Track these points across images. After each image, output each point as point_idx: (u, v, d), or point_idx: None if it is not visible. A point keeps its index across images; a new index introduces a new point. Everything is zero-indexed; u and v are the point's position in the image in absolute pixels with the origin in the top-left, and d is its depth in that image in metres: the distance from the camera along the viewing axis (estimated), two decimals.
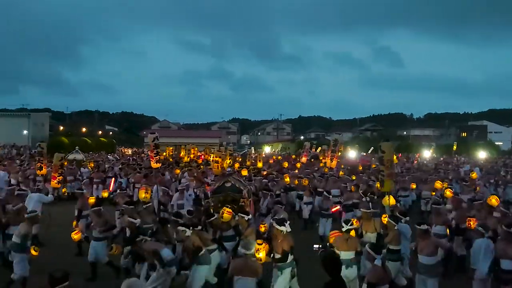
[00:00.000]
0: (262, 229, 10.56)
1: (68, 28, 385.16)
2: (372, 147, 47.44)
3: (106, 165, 25.78)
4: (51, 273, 4.84)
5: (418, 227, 7.76)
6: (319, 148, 42.51)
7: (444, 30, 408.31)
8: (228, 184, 12.30)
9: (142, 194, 12.14)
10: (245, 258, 6.83)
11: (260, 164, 24.68)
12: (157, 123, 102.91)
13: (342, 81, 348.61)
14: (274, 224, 7.83)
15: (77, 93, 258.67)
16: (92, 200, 12.63)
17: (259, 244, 7.37)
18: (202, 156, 31.66)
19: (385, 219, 9.02)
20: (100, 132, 77.65)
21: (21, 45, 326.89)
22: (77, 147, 29.35)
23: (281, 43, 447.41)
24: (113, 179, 17.85)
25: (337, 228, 9.09)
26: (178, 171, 21.74)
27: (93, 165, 24.95)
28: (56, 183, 14.94)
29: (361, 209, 10.38)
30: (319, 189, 15.80)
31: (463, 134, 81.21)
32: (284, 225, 7.65)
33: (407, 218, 9.33)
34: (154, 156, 15.24)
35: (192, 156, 31.73)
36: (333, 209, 12.60)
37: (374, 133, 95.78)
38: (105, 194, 16.58)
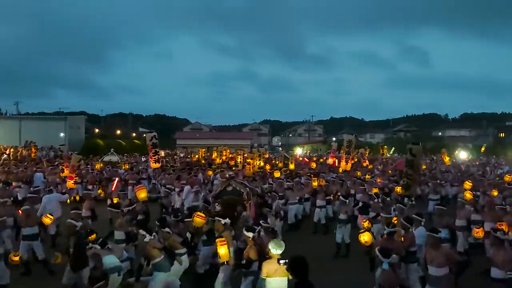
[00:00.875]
0: None
1: (99, 33, 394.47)
2: (393, 148, 46.62)
3: (140, 167, 26.21)
4: (91, 272, 4.95)
5: (431, 234, 7.13)
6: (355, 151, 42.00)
7: (475, 27, 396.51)
8: (230, 188, 12.44)
9: (142, 194, 12.19)
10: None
11: (292, 166, 24.58)
12: (189, 125, 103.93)
13: (370, 81, 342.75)
14: (243, 230, 7.65)
15: (109, 96, 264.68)
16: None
17: (220, 241, 7.37)
18: (235, 158, 31.75)
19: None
20: (134, 134, 78.96)
21: (55, 50, 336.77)
22: (112, 149, 29.95)
23: (307, 44, 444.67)
24: (116, 180, 18.03)
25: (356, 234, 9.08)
26: (210, 172, 21.93)
27: (127, 166, 25.40)
28: (72, 183, 15.52)
29: (382, 215, 10.19)
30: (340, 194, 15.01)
31: (501, 134, 78.71)
32: (253, 231, 7.46)
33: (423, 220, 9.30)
34: (153, 156, 15.26)
35: (224, 157, 31.91)
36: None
37: (407, 134, 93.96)
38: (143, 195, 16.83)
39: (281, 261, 6.07)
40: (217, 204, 11.88)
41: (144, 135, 19.78)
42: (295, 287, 5.03)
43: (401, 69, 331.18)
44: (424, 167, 23.71)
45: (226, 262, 7.54)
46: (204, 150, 40.77)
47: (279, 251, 6.34)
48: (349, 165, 21.33)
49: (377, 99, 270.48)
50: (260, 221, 8.41)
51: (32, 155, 30.78)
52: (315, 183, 16.28)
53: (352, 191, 15.66)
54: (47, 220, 10.03)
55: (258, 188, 14.99)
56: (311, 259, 8.72)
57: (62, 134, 51.60)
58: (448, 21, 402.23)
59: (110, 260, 6.75)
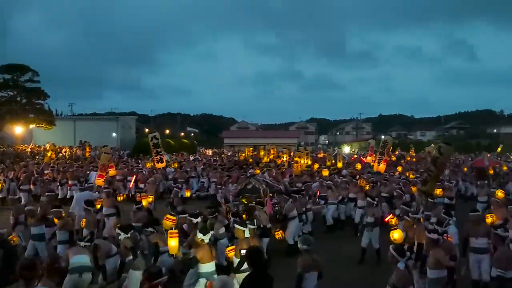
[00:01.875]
0: (278, 235, 10.38)
1: (146, 36, 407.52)
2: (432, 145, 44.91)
3: (189, 166, 26.57)
4: (148, 268, 5.03)
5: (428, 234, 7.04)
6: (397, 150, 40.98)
7: None
8: (250, 186, 12.36)
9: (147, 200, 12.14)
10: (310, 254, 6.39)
11: (340, 164, 24.20)
12: (236, 124, 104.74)
13: (417, 77, 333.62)
14: (235, 224, 7.71)
15: (157, 97, 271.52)
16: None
17: (171, 234, 7.34)
18: (282, 157, 31.61)
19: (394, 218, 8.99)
20: (182, 133, 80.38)
21: (105, 53, 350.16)
22: (162, 148, 30.49)
23: (350, 40, 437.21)
24: (134, 177, 18.26)
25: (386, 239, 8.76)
26: (258, 171, 21.91)
27: (176, 165, 25.81)
28: (102, 181, 15.98)
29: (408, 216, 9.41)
30: (384, 195, 14.43)
31: None
32: (245, 226, 7.48)
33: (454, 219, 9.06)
34: (155, 156, 15.23)
35: (271, 156, 31.85)
36: (385, 219, 10.45)
37: (461, 131, 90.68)
38: (188, 194, 17.05)
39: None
40: (237, 202, 11.84)
41: (148, 133, 20.35)
42: (251, 277, 5.05)
43: (448, 64, 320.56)
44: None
45: (175, 255, 7.51)
46: (251, 148, 40.87)
47: (201, 236, 7.04)
48: (383, 166, 20.16)
49: (427, 96, 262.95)
50: (246, 222, 8.14)
51: (87, 154, 31.92)
52: (362, 183, 15.74)
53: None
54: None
55: (282, 185, 14.61)
56: (341, 262, 8.81)
57: (114, 134, 53.25)
58: (495, 14, 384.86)
59: (76, 259, 7.00)
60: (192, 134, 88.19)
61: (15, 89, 45.14)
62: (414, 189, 14.29)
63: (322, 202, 14.29)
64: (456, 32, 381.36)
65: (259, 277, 5.03)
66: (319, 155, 36.01)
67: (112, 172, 18.26)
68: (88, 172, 20.52)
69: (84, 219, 10.16)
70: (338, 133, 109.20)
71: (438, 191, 13.56)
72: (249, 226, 7.77)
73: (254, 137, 70.59)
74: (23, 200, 16.72)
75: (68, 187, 18.43)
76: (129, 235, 7.80)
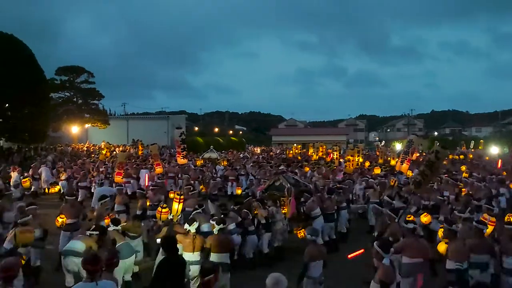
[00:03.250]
0: (301, 233, 10.09)
1: (190, 37, 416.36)
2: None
3: (238, 164, 26.68)
4: (202, 265, 5.07)
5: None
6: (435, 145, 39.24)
7: None
8: (278, 183, 12.20)
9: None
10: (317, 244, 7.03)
11: (393, 162, 23.52)
12: (284, 121, 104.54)
13: (466, 71, 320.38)
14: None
15: (202, 96, 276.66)
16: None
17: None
18: (331, 154, 31.18)
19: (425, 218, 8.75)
20: (230, 131, 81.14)
21: (152, 55, 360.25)
22: (211, 146, 30.87)
23: (391, 36, 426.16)
24: (147, 175, 18.32)
25: None
26: (307, 169, 21.68)
27: (226, 163, 25.99)
28: (120, 178, 16.49)
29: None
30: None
31: None
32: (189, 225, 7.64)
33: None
34: (181, 152, 15.38)
35: (320, 154, 31.49)
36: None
37: None
38: (239, 191, 17.08)
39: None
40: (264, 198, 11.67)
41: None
42: (165, 261, 5.80)
43: (497, 58, 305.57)
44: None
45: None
46: (300, 146, 40.62)
47: (187, 226, 7.59)
48: (405, 166, 18.28)
49: (478, 90, 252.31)
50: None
51: (139, 152, 32.74)
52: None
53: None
54: (59, 220, 9.49)
55: (312, 185, 14.19)
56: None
57: (165, 133, 54.44)
58: None
59: (71, 244, 7.47)
60: (241, 132, 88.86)
61: (72, 90, 46.95)
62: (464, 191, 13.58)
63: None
64: (502, 25, 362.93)
65: (172, 261, 5.80)
66: (377, 153, 35.27)
67: (159, 170, 18.61)
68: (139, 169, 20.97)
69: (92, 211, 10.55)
70: (388, 130, 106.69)
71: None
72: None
73: (303, 135, 70.28)
74: (80, 197, 17.35)
75: (123, 184, 18.95)
76: (119, 228, 8.15)
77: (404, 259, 7.10)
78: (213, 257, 7.44)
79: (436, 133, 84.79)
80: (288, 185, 12.08)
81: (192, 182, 19.28)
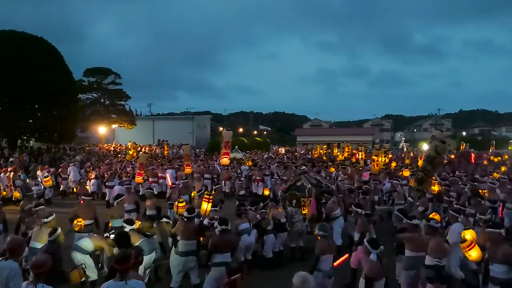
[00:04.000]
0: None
1: (211, 39, 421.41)
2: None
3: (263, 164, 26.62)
4: (229, 264, 5.06)
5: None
6: (463, 145, 38.26)
7: None
8: (299, 183, 12.09)
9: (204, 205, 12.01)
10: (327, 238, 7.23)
11: (421, 162, 23.05)
12: (308, 122, 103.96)
13: (491, 70, 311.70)
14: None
15: (225, 96, 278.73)
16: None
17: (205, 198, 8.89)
18: (356, 155, 30.83)
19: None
20: (255, 131, 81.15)
21: (175, 57, 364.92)
22: (236, 147, 30.90)
23: (414, 35, 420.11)
24: (169, 174, 18.59)
25: None
26: (332, 169, 21.47)
27: (250, 163, 25.96)
28: (141, 179, 17.14)
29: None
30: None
31: None
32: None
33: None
34: (227, 152, 15.59)
35: (346, 154, 31.18)
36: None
37: None
38: (266, 192, 17.03)
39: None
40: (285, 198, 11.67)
41: (222, 130, 21.00)
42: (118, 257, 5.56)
43: None
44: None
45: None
46: (325, 146, 40.30)
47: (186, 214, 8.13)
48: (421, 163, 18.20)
49: (507, 89, 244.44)
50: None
51: (165, 152, 33.05)
52: (435, 187, 14.16)
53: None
54: (77, 224, 9.37)
55: (334, 185, 13.96)
56: None
57: (190, 133, 54.84)
58: None
59: (80, 241, 7.96)
60: (265, 132, 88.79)
61: (99, 91, 47.76)
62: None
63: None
64: None
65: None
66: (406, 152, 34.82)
67: (188, 170, 18.73)
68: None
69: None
70: (415, 130, 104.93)
71: (436, 188, 12.80)
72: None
73: (328, 135, 69.68)
74: (107, 196, 17.62)
75: (149, 184, 19.16)
76: (133, 227, 8.28)
77: (407, 252, 7.28)
78: (218, 257, 7.39)
79: (464, 133, 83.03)
80: (309, 185, 11.97)
81: (223, 182, 19.55)
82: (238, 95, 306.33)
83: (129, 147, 34.87)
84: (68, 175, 20.91)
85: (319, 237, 7.14)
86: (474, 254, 7.00)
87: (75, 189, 21.05)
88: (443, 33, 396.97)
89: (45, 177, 18.24)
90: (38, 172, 19.81)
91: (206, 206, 9.55)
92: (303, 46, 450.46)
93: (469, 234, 7.44)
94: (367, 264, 6.20)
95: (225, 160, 17.46)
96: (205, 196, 9.81)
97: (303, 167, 19.06)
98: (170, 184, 16.65)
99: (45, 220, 8.08)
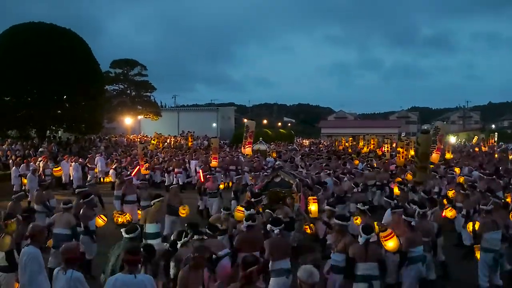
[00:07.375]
0: (308, 229, 10.03)
1: (228, 33, 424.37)
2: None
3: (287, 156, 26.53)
4: (244, 257, 5.04)
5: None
6: (475, 138, 37.12)
7: None
8: (278, 179, 11.24)
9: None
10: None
11: (448, 155, 22.67)
12: (333, 113, 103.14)
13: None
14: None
15: (246, 89, 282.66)
16: None
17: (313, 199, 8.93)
18: (383, 147, 30.47)
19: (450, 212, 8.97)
20: (279, 123, 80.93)
21: (195, 51, 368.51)
22: (260, 138, 30.87)
23: (423, 28, 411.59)
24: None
25: None
26: (357, 162, 21.28)
27: (275, 155, 25.92)
28: (144, 169, 17.53)
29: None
30: None
31: None
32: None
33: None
34: (249, 143, 15.56)
35: (372, 146, 30.85)
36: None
37: None
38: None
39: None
40: (263, 196, 10.56)
41: (246, 122, 21.04)
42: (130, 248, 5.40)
43: None
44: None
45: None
46: (350, 138, 39.95)
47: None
48: (435, 155, 17.37)
49: None
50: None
51: (189, 144, 33.30)
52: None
53: None
54: (99, 221, 9.18)
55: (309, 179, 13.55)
56: None
57: (214, 124, 55.08)
58: None
59: None
60: (289, 124, 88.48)
61: (125, 82, 48.31)
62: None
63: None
64: None
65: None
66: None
67: (214, 163, 18.83)
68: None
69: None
70: (444, 122, 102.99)
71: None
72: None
73: (353, 127, 69.05)
74: None
75: (174, 175, 19.38)
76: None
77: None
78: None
79: (493, 126, 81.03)
80: (297, 180, 11.23)
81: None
82: (256, 87, 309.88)
83: (154, 137, 35.26)
84: (96, 165, 21.30)
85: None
86: (391, 244, 6.76)
87: (102, 179, 21.44)
88: (452, 26, 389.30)
89: (55, 167, 18.50)
90: (64, 162, 20.19)
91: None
92: (314, 40, 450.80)
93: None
94: (351, 246, 6.26)
95: (248, 150, 17.49)
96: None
97: (277, 162, 18.63)
98: (201, 176, 16.33)
99: (65, 206, 8.20)
